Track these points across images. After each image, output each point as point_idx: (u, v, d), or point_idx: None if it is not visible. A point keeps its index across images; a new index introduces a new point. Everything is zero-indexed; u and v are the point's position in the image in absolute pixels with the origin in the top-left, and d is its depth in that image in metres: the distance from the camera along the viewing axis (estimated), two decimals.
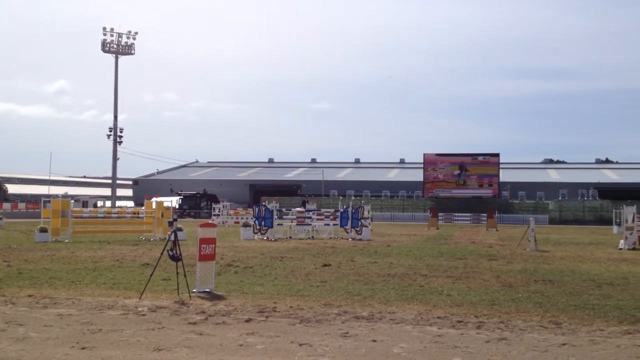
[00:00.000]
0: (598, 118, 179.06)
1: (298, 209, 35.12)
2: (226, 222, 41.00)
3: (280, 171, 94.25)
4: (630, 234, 22.39)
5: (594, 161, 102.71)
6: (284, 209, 30.60)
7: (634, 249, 21.70)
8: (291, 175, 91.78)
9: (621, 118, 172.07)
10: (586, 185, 73.97)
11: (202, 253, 9.88)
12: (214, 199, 61.03)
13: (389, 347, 6.53)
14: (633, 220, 22.75)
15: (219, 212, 42.36)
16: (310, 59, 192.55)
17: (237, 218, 41.32)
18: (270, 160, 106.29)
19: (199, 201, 64.53)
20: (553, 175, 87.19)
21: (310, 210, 29.32)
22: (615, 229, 36.44)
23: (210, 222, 14.32)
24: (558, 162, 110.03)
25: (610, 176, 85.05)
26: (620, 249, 21.86)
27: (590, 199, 67.08)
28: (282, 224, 26.47)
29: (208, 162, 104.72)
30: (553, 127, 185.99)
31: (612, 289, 11.07)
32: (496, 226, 40.66)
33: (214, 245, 10.14)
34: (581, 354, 6.29)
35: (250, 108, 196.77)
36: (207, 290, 9.98)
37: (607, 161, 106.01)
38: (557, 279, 12.59)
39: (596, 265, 15.85)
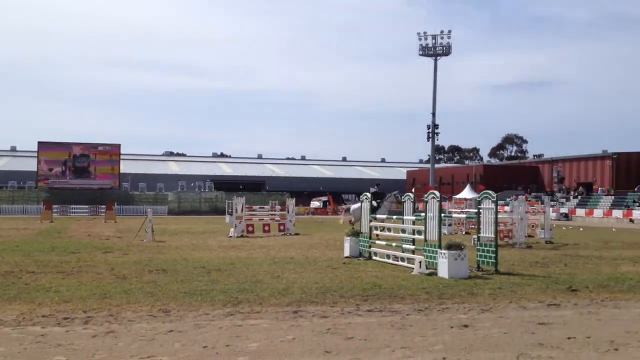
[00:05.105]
0: (216, 115, 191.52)
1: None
2: None
3: None
4: (240, 223, 24.42)
5: (211, 155, 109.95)
6: None
7: (242, 236, 23.70)
8: None
9: (235, 115, 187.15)
10: (203, 178, 78.59)
11: None
12: None
13: None
14: (242, 210, 24.88)
15: None
16: None
17: None
18: None
19: None
20: (173, 168, 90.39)
21: None
22: (227, 218, 39.46)
23: None
24: (178, 154, 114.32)
25: (225, 169, 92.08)
26: (231, 236, 23.65)
27: (207, 190, 71.34)
28: None
29: None
30: (175, 121, 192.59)
31: (219, 274, 11.84)
32: (115, 218, 40.14)
33: None
34: (186, 339, 6.53)
35: None
36: None
37: (223, 155, 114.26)
38: (171, 267, 12.95)
39: (207, 252, 16.82)
